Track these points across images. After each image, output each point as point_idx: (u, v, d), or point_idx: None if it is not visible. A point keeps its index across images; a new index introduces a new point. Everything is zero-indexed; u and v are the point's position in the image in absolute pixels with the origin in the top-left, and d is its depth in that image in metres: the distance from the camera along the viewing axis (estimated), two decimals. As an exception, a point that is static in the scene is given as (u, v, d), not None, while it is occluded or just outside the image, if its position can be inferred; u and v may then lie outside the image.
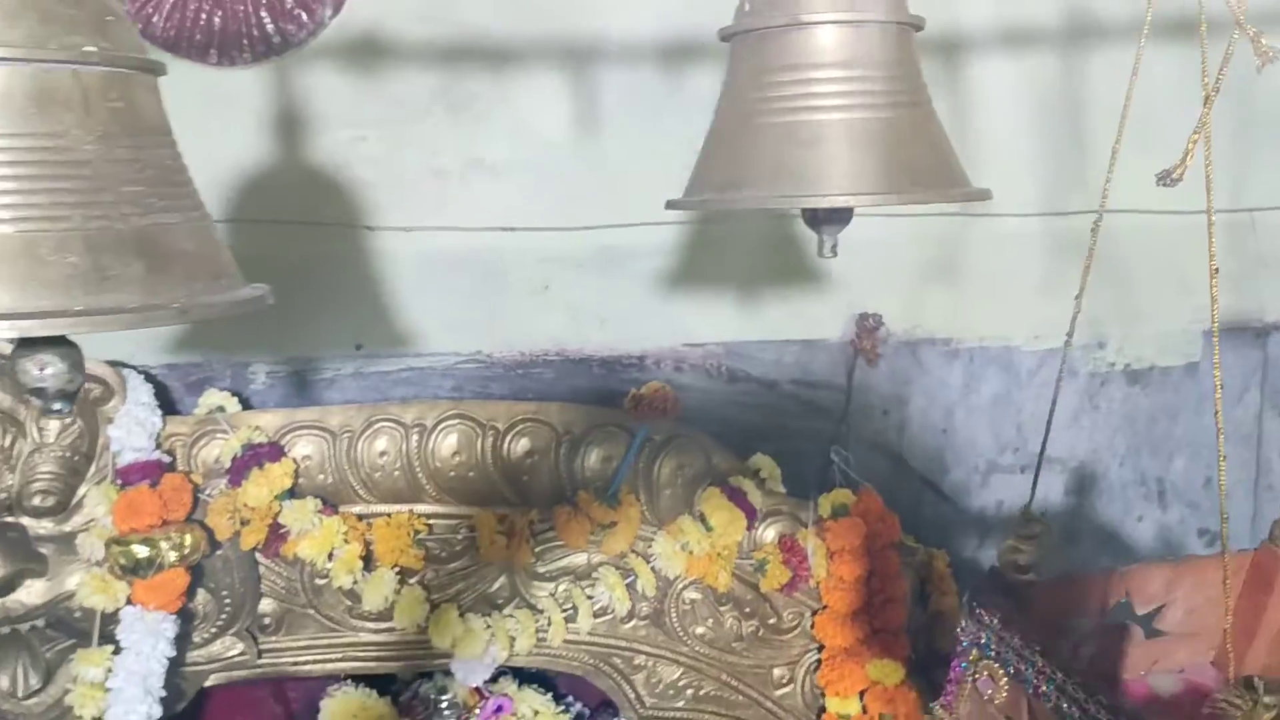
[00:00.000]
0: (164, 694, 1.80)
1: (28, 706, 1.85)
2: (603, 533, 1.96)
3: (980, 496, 2.26)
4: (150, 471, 1.76)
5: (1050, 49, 2.17)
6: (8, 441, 1.71)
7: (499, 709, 2.05)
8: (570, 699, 2.20)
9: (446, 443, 1.92)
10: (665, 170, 2.04)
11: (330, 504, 1.88)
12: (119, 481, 1.76)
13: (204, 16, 1.84)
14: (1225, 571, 1.12)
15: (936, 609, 2.13)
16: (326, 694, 2.05)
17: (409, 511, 1.91)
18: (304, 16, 1.90)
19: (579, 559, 2.00)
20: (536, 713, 2.10)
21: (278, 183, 1.88)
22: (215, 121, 1.82)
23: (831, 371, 2.14)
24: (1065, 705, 1.01)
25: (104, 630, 1.78)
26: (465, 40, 1.97)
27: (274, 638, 1.95)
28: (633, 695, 2.09)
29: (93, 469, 1.77)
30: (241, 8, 1.83)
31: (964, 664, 1.21)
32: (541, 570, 1.99)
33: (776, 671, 2.14)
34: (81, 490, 1.77)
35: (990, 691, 1.14)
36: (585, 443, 1.97)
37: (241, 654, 1.92)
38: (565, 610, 1.98)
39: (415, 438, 1.91)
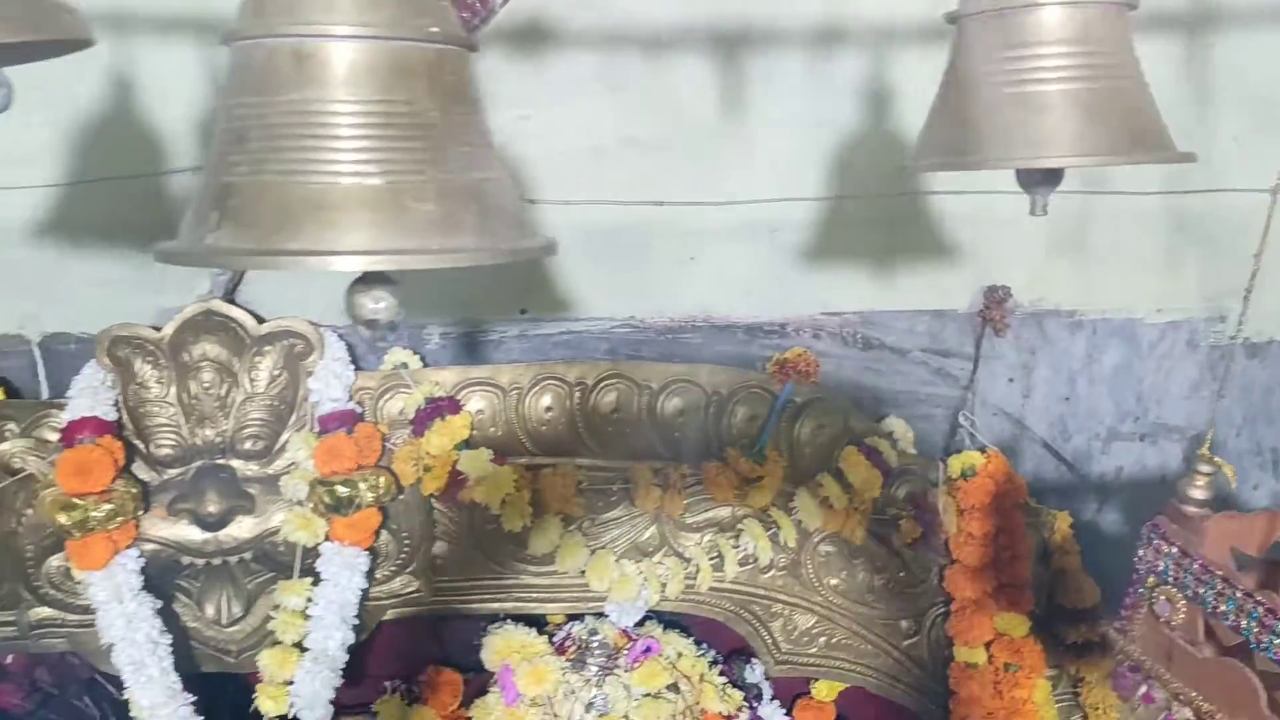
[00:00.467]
0: (356, 622, 1.99)
1: (229, 634, 2.05)
2: (748, 487, 2.10)
3: (1100, 462, 2.36)
4: (346, 420, 1.94)
5: (1176, 30, 2.25)
6: (223, 391, 1.90)
7: (647, 649, 2.20)
8: (704, 645, 2.35)
9: (606, 400, 2.08)
10: (805, 149, 2.19)
11: (499, 455, 2.05)
12: (318, 429, 1.95)
13: None
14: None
15: (1059, 567, 2.24)
16: (488, 631, 2.23)
17: (571, 463, 2.08)
18: (479, 5, 2.06)
19: (723, 511, 2.14)
20: (680, 654, 2.25)
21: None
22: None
23: (960, 340, 2.25)
24: (1244, 622, 1.12)
25: (303, 564, 1.97)
26: (622, 25, 2.11)
27: (445, 578, 2.12)
28: (769, 641, 2.23)
29: (294, 417, 1.96)
30: (427, -2, 1.99)
31: (1140, 590, 1.33)
32: (689, 521, 2.14)
33: (904, 623, 2.27)
34: (284, 436, 1.95)
35: (1167, 614, 1.26)
36: (732, 403, 2.11)
37: (417, 591, 2.10)
38: (712, 559, 2.13)
39: (577, 395, 2.07)
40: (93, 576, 1.87)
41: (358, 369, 2.03)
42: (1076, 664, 2.23)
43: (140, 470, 1.92)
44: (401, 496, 2.01)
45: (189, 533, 1.92)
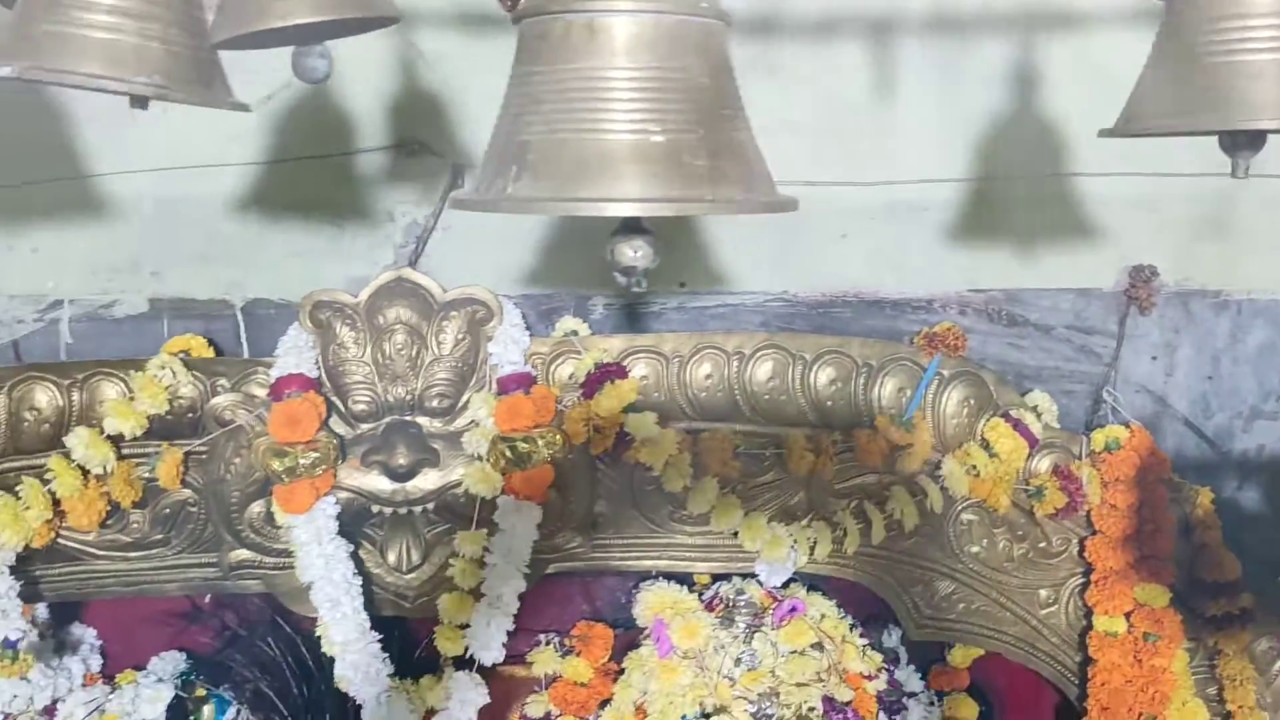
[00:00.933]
0: (527, 571, 2.13)
1: (408, 580, 2.20)
2: (897, 454, 2.19)
3: (1242, 440, 2.40)
4: (523, 382, 2.08)
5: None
6: (413, 352, 2.05)
7: (793, 609, 2.30)
8: (843, 610, 2.44)
9: (762, 369, 2.18)
10: (953, 132, 2.28)
11: (661, 419, 2.17)
12: (496, 390, 2.09)
13: None
14: None
15: (1200, 542, 2.28)
16: (640, 588, 2.35)
17: (728, 428, 2.19)
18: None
19: (870, 478, 2.24)
20: (823, 616, 2.35)
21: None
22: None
23: (1104, 318, 2.32)
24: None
25: (480, 516, 2.11)
26: (779, 13, 2.21)
27: (604, 535, 2.25)
28: (910, 605, 2.32)
29: (474, 379, 2.10)
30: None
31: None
32: (837, 487, 2.24)
33: (1043, 592, 2.34)
34: (466, 396, 2.10)
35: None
36: (881, 374, 2.20)
37: (578, 546, 2.24)
38: (859, 524, 2.22)
39: (735, 364, 2.18)
40: (296, 520, 2.03)
41: (531, 336, 2.17)
42: (1215, 636, 2.27)
43: (336, 425, 2.09)
44: (569, 456, 2.14)
45: (379, 483, 2.08)
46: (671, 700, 2.24)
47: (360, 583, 2.10)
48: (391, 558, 2.17)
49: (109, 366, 2.06)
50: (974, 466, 2.18)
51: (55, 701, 2.27)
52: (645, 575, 2.38)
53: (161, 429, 2.07)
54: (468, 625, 2.15)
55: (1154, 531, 2.22)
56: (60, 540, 2.11)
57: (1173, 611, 2.23)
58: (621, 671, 2.35)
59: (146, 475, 2.09)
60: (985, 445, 2.19)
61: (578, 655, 2.34)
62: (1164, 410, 2.36)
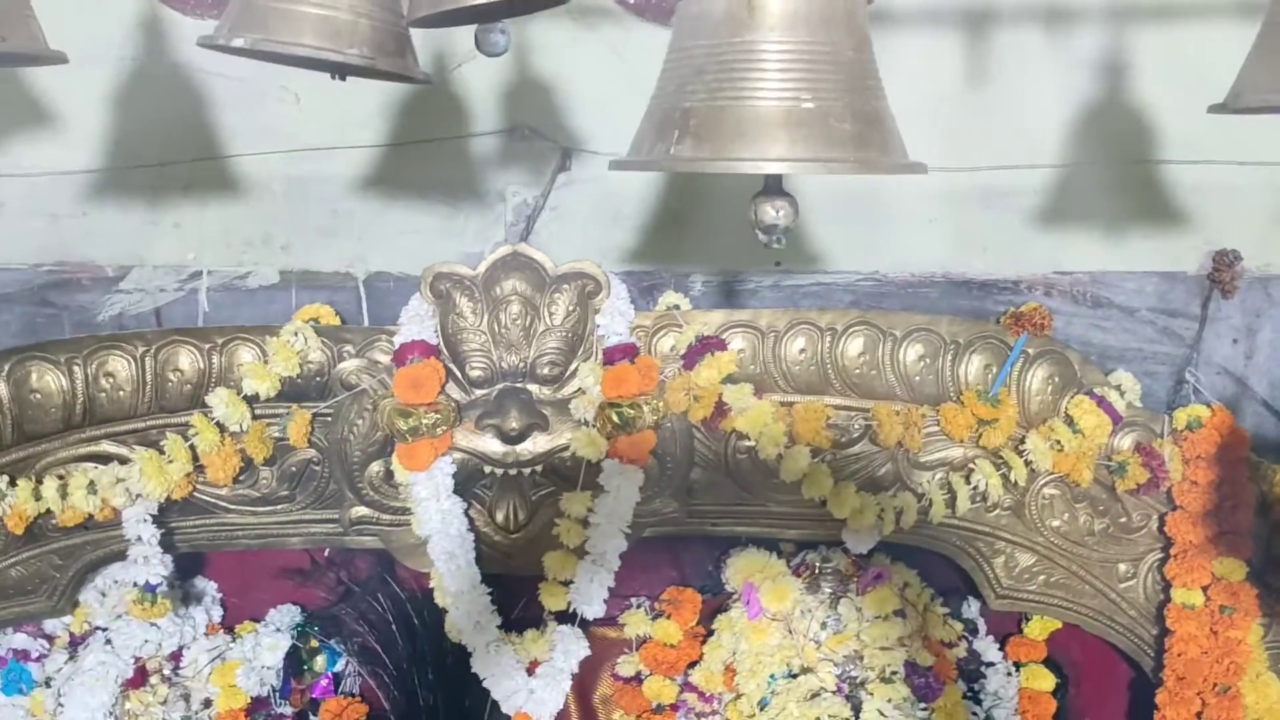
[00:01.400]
0: (628, 532, 2.25)
1: (513, 540, 2.33)
2: (982, 428, 2.28)
3: (1320, 423, 2.46)
4: (628, 352, 2.20)
5: None
6: (527, 322, 2.18)
7: (878, 576, 2.40)
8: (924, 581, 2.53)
9: (853, 345, 2.28)
10: (1042, 120, 2.36)
11: (757, 390, 2.28)
12: (603, 360, 2.21)
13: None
14: None
15: (1277, 520, 2.34)
16: (730, 553, 2.47)
17: (820, 400, 2.29)
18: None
19: (955, 452, 2.32)
20: (906, 584, 2.44)
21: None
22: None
23: (1186, 301, 2.39)
24: None
25: (585, 479, 2.24)
26: (879, 3, 2.31)
27: (699, 501, 2.36)
28: (991, 576, 2.40)
29: (582, 349, 2.23)
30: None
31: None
32: (924, 460, 2.33)
33: (1121, 567, 2.41)
34: (573, 365, 2.22)
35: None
36: (968, 351, 2.29)
37: (674, 511, 2.35)
38: (945, 495, 2.32)
39: (828, 339, 2.28)
40: (416, 477, 2.17)
41: (635, 310, 2.29)
42: (1292, 612, 2.34)
43: (453, 390, 2.22)
44: (667, 424, 2.26)
45: (491, 445, 2.21)
46: (760, 660, 2.35)
47: (473, 539, 2.24)
48: (499, 517, 2.29)
49: (246, 332, 2.22)
50: (1058, 442, 2.26)
51: (181, 648, 2.43)
52: (733, 543, 2.49)
53: (291, 391, 2.22)
54: (570, 582, 2.28)
55: (1233, 507, 2.28)
56: (196, 494, 2.26)
57: (1249, 586, 2.30)
58: (709, 634, 2.47)
59: (277, 434, 2.24)
60: (1069, 421, 2.27)
61: (668, 618, 2.46)
62: (1244, 392, 2.43)
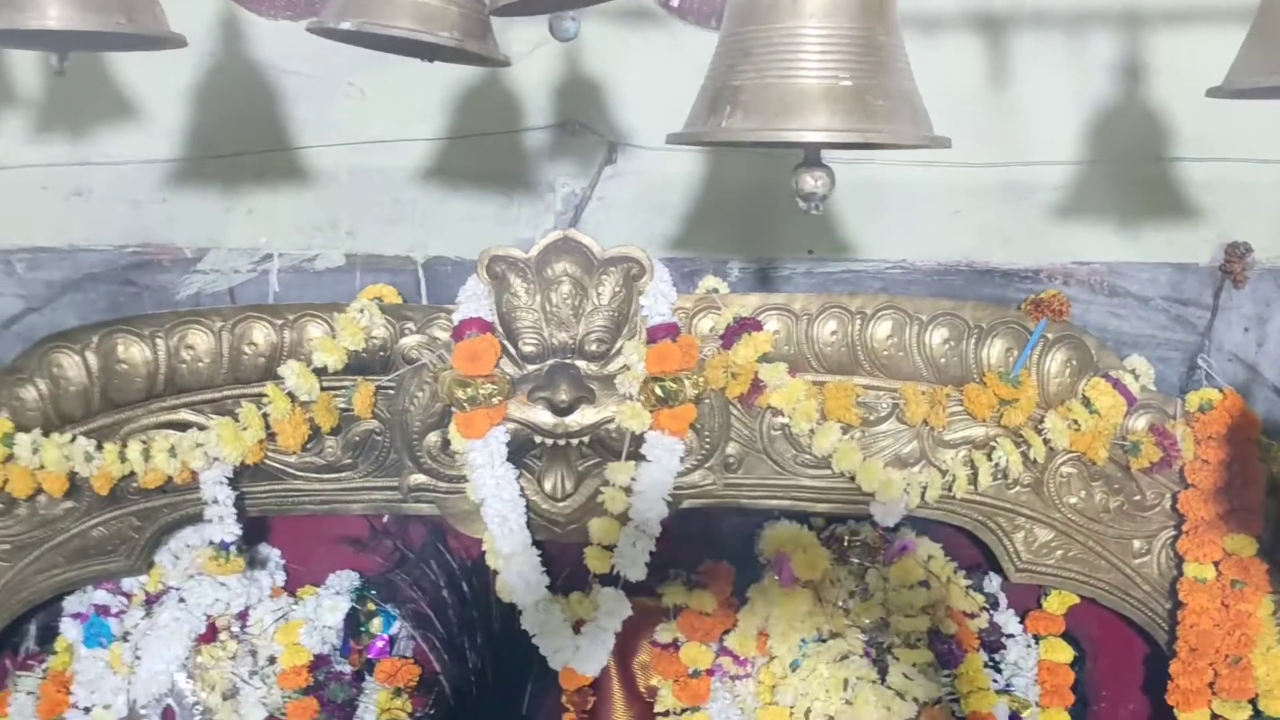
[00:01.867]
0: (670, 500, 2.40)
1: (560, 507, 2.48)
2: (1003, 407, 2.41)
3: (1328, 408, 2.58)
4: (670, 331, 2.34)
5: None
6: (576, 302, 2.33)
7: (904, 548, 2.53)
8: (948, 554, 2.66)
9: (882, 328, 2.42)
10: (1061, 119, 2.50)
11: (791, 369, 2.42)
12: (646, 338, 2.36)
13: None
14: None
15: (1287, 499, 2.47)
16: (764, 525, 2.61)
17: (850, 380, 2.43)
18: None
19: (978, 431, 2.45)
20: (930, 557, 2.57)
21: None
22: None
23: (1199, 291, 2.52)
24: None
25: (629, 450, 2.39)
26: (905, 7, 2.46)
27: (734, 475, 2.50)
28: (1011, 550, 2.52)
29: (627, 328, 2.38)
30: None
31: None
32: (947, 438, 2.46)
33: (1136, 543, 2.52)
34: (619, 343, 2.37)
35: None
36: (991, 335, 2.42)
37: (712, 484, 2.48)
38: (967, 471, 2.45)
39: (858, 323, 2.42)
40: (473, 444, 2.33)
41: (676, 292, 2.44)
42: (1301, 587, 2.45)
43: (506, 365, 2.38)
44: (706, 400, 2.40)
45: (542, 416, 2.36)
46: (791, 625, 2.48)
47: (523, 504, 2.39)
48: (548, 486, 2.45)
49: (315, 309, 2.39)
50: (1075, 421, 2.39)
51: (247, 608, 2.60)
52: (766, 517, 2.63)
53: (356, 365, 2.38)
54: (614, 547, 2.42)
55: (1243, 485, 2.40)
56: (267, 460, 2.43)
57: (1259, 561, 2.41)
58: (743, 602, 2.60)
59: (343, 405, 2.41)
60: (1086, 403, 2.40)
61: (704, 589, 2.60)
62: (1254, 378, 2.55)
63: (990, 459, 2.42)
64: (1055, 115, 2.48)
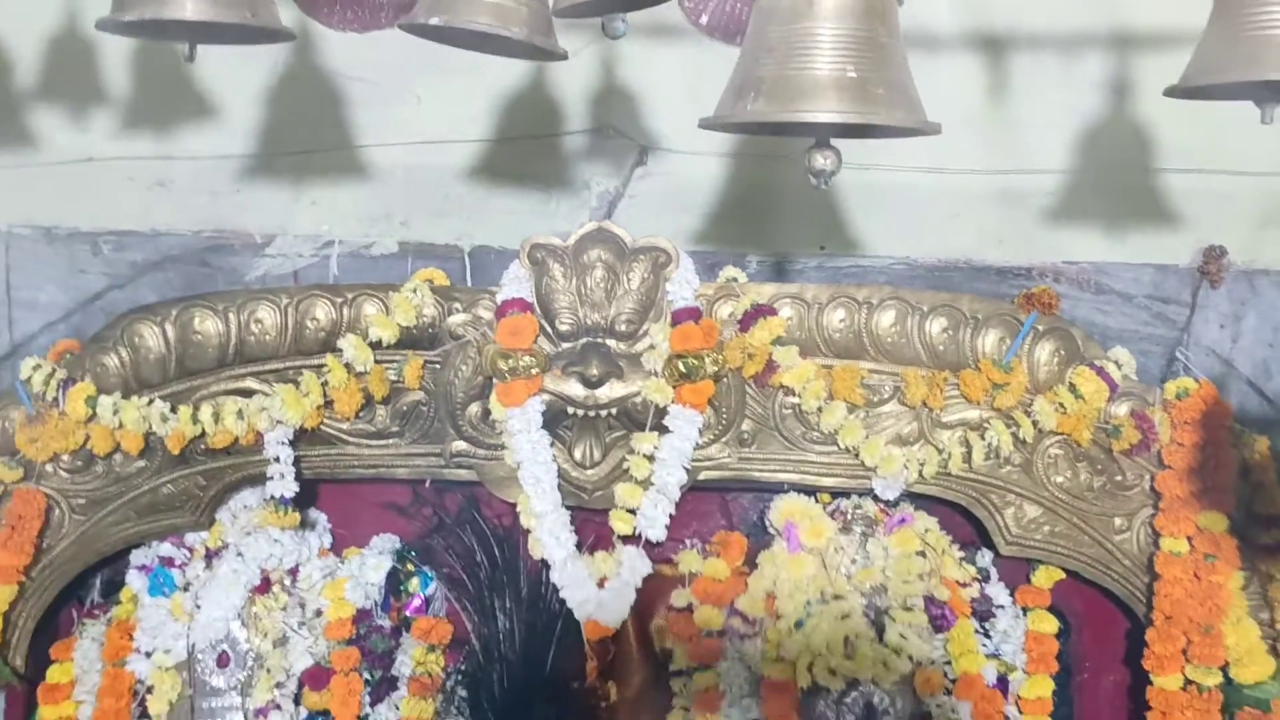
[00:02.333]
0: (689, 468, 2.63)
1: (588, 475, 2.71)
2: (996, 390, 2.63)
3: (1299, 400, 2.80)
4: (693, 315, 2.58)
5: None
6: (608, 287, 2.57)
7: (902, 521, 2.74)
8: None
9: (886, 316, 2.64)
10: (1054, 131, 2.75)
11: (802, 354, 2.65)
12: (671, 321, 2.60)
13: (740, 8, 2.68)
14: None
15: (1257, 482, 2.66)
16: (775, 498, 2.82)
17: (856, 364, 2.66)
18: None
19: (972, 413, 2.66)
20: (927, 530, 2.78)
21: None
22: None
23: (1178, 290, 2.75)
24: None
25: (653, 422, 2.62)
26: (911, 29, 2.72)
27: (747, 450, 2.72)
28: (1002, 524, 2.73)
29: (653, 311, 2.61)
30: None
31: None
32: (944, 419, 2.68)
33: (1117, 520, 2.72)
34: (645, 325, 2.61)
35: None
36: (986, 325, 2.64)
37: (727, 457, 2.71)
38: (962, 449, 2.66)
39: (864, 311, 2.64)
40: (512, 412, 2.56)
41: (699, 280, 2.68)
42: (1268, 563, 2.65)
43: (543, 343, 2.62)
44: (724, 380, 2.63)
45: (575, 389, 2.59)
46: (798, 587, 2.69)
47: (556, 468, 2.62)
48: (577, 454, 2.68)
49: (372, 289, 2.63)
50: (1062, 405, 2.60)
51: (298, 565, 2.82)
52: (776, 491, 2.85)
53: (407, 340, 2.62)
54: (636, 510, 2.65)
55: (1216, 467, 2.60)
56: (323, 426, 2.67)
57: (1229, 537, 2.61)
58: (753, 571, 2.82)
59: (394, 377, 2.65)
60: (1072, 389, 2.61)
61: (717, 557, 2.81)
62: (1229, 371, 2.77)
63: (983, 439, 2.63)
64: (1048, 128, 2.72)
